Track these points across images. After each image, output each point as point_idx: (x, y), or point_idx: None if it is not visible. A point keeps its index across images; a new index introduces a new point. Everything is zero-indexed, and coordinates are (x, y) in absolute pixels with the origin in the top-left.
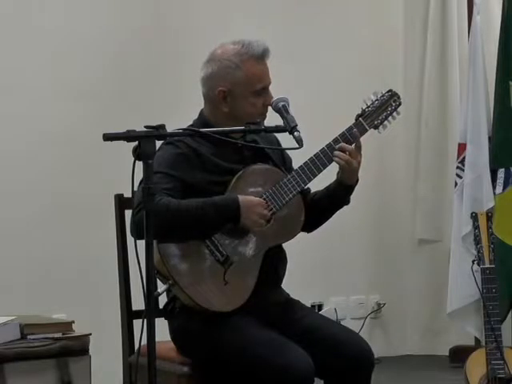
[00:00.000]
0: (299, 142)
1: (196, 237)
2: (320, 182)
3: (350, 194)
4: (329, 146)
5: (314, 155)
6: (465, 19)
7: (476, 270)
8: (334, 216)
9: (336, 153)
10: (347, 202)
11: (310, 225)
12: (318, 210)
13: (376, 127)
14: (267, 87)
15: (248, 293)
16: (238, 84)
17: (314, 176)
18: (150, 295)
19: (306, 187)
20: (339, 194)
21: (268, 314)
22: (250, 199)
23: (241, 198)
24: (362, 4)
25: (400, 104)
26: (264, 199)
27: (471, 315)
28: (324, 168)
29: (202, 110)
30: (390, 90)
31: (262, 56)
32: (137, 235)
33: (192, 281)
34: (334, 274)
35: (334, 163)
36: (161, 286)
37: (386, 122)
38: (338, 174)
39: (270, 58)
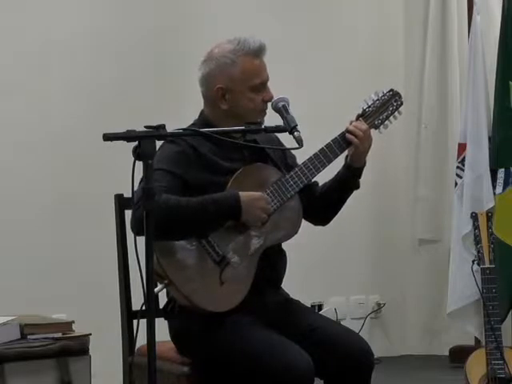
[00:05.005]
0: (299, 142)
1: (196, 234)
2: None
3: (359, 177)
4: (328, 145)
5: (314, 154)
6: (465, 19)
7: (476, 270)
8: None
9: (351, 129)
10: (357, 185)
11: (325, 217)
12: (330, 199)
13: (377, 127)
14: (265, 83)
15: (244, 293)
16: (236, 80)
17: (314, 176)
18: (150, 295)
19: (310, 182)
20: (349, 179)
21: (268, 314)
22: (251, 194)
23: (241, 193)
24: (362, 4)
25: (401, 104)
26: None
27: (471, 315)
28: (324, 167)
29: (202, 110)
30: (391, 90)
31: (258, 52)
32: (137, 231)
33: (188, 280)
34: (333, 274)
35: (334, 162)
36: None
37: (387, 122)
38: (346, 157)
39: (269, 57)
